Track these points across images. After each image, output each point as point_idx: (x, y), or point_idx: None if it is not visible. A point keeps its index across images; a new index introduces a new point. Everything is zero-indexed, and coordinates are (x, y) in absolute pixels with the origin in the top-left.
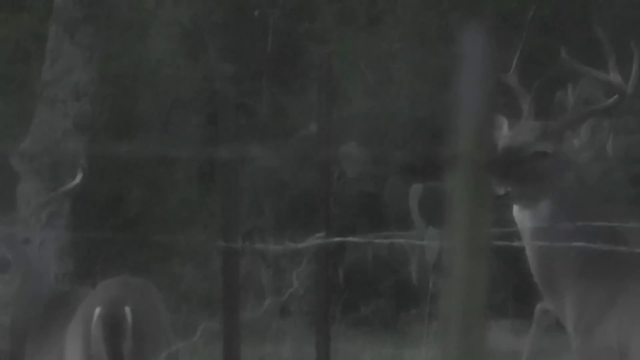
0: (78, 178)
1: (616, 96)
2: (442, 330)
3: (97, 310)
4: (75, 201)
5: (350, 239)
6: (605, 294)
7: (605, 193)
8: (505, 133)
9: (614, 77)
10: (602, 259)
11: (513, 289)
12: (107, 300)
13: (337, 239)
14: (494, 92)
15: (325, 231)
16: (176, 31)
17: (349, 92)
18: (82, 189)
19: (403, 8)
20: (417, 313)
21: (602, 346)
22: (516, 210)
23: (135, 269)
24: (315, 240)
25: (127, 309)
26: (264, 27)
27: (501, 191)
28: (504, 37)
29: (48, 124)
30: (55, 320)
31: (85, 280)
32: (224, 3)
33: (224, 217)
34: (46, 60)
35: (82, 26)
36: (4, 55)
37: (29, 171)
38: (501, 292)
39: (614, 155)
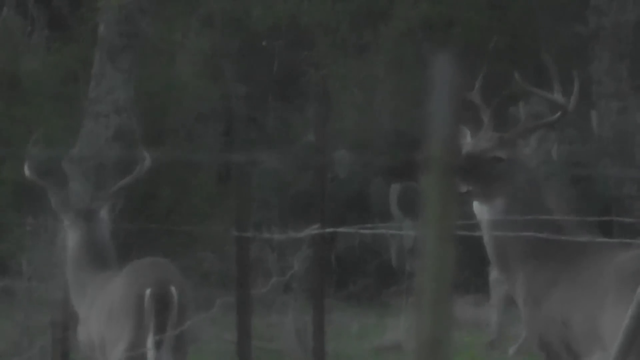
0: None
1: (559, 112)
2: (417, 303)
3: (149, 291)
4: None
5: (341, 229)
6: (550, 274)
7: (550, 191)
8: (468, 141)
9: (558, 96)
10: (546, 246)
11: (474, 269)
12: (154, 281)
13: (330, 229)
14: (459, 108)
15: (320, 223)
16: (198, 58)
17: (340, 108)
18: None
19: (385, 39)
20: (396, 289)
21: (547, 317)
22: (476, 205)
23: (164, 253)
24: (313, 230)
25: (173, 288)
26: (270, 55)
27: (464, 189)
28: (469, 63)
29: (93, 134)
30: (100, 295)
31: (123, 263)
32: (238, 35)
33: (238, 211)
34: (92, 82)
35: (121, 53)
36: (58, 77)
37: (77, 172)
38: (465, 272)
39: (558, 160)
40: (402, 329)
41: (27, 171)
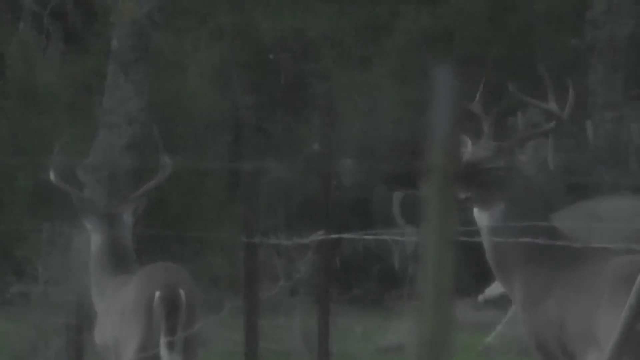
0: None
1: (554, 122)
2: (419, 306)
3: (158, 293)
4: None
5: (345, 235)
6: (547, 278)
7: (547, 199)
8: (468, 150)
9: (552, 105)
10: (544, 251)
11: (474, 273)
12: (163, 284)
13: (335, 235)
14: (459, 117)
15: (325, 229)
16: (208, 70)
17: (345, 118)
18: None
19: (388, 51)
20: (399, 293)
21: (544, 319)
22: (476, 211)
23: (175, 258)
24: (318, 236)
25: (182, 292)
26: (277, 66)
27: (463, 196)
28: (468, 74)
29: (107, 143)
30: (115, 298)
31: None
32: (246, 48)
33: (246, 218)
34: (105, 93)
35: (134, 66)
36: (72, 89)
37: (91, 181)
38: (465, 276)
39: (554, 169)
40: (404, 331)
41: (52, 177)
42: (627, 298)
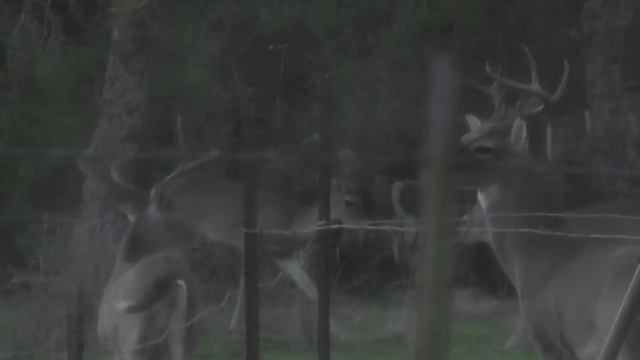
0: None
1: (543, 105)
2: (418, 296)
3: (158, 284)
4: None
5: (345, 225)
6: (545, 268)
7: (546, 185)
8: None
9: (535, 87)
10: (542, 240)
11: (473, 264)
12: (164, 275)
13: (335, 226)
14: (457, 108)
15: (325, 219)
16: (208, 61)
17: (344, 109)
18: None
19: (387, 42)
20: (398, 283)
21: (543, 309)
22: (479, 195)
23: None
24: (318, 226)
25: (182, 282)
26: (277, 58)
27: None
28: (467, 65)
29: (107, 134)
30: (113, 288)
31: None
32: (246, 39)
33: (246, 208)
34: (106, 84)
35: (134, 57)
36: (73, 80)
37: (92, 171)
38: (464, 265)
39: (553, 160)
40: (403, 321)
41: (114, 176)
42: (627, 289)
